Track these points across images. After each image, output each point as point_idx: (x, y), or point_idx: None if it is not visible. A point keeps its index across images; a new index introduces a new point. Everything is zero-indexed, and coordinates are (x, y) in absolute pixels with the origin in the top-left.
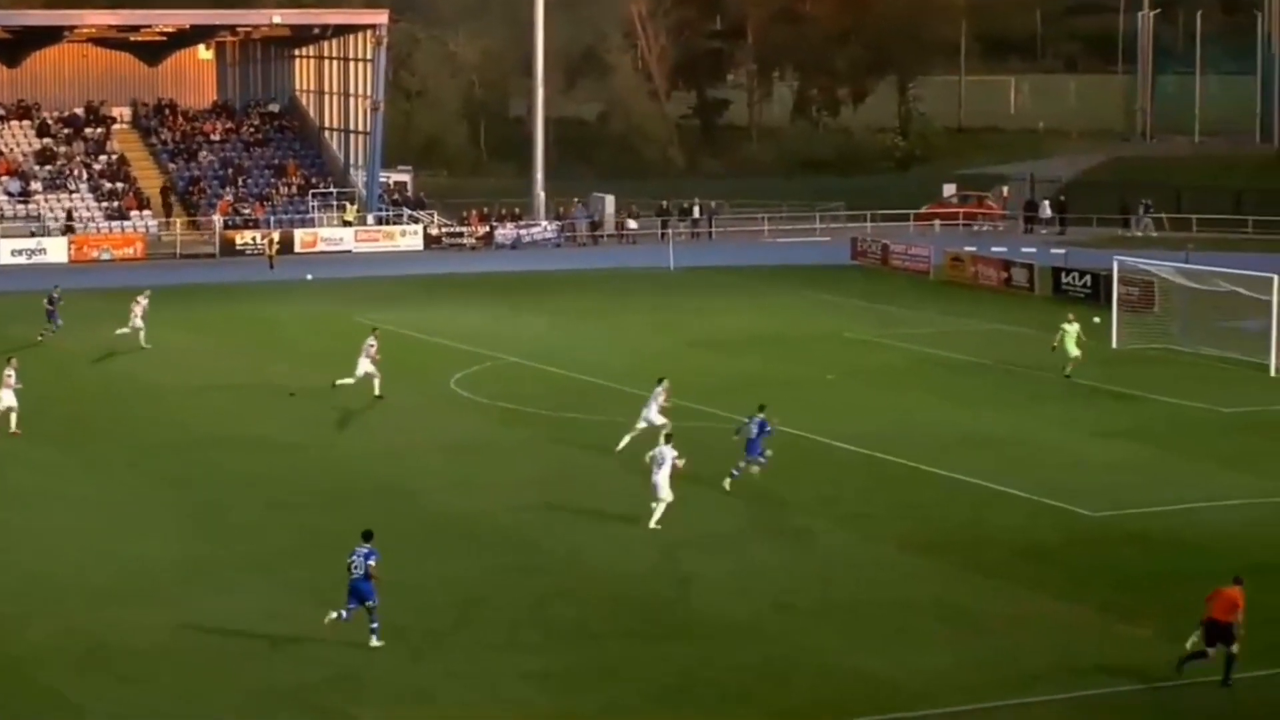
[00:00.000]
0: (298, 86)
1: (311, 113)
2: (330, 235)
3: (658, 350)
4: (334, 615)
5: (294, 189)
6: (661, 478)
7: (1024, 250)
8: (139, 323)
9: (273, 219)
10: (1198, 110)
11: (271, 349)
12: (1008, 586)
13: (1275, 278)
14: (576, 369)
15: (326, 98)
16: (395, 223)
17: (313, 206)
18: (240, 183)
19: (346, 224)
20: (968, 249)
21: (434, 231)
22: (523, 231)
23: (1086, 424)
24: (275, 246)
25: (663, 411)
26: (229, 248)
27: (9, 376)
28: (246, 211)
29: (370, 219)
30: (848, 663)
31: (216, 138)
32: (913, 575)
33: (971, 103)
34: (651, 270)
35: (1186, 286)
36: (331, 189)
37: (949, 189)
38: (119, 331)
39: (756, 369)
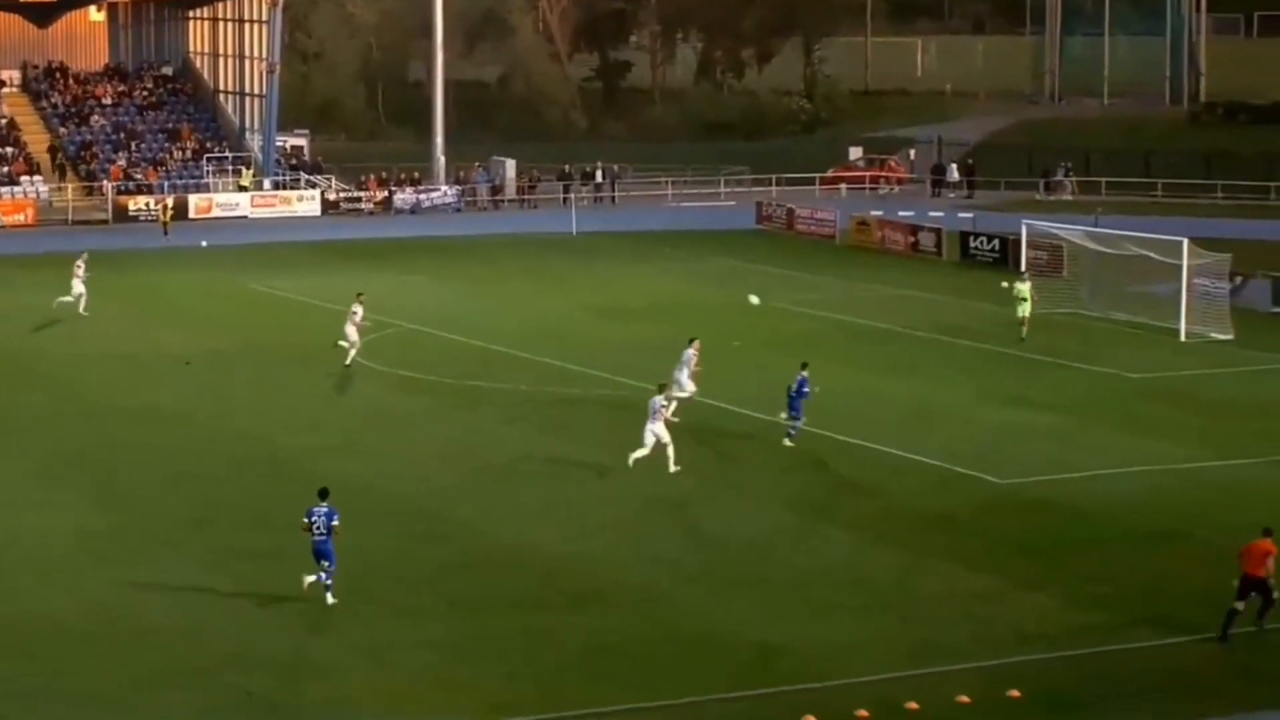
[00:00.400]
0: (192, 49)
1: (206, 75)
2: (226, 201)
3: (560, 316)
4: (310, 579)
5: (188, 153)
6: (658, 427)
7: (931, 214)
8: (81, 288)
9: (167, 184)
10: (1106, 72)
11: (166, 317)
12: (916, 555)
13: (1185, 241)
14: (478, 336)
15: (221, 60)
16: (292, 188)
17: (208, 171)
18: (133, 147)
19: (242, 189)
20: (874, 213)
21: (332, 196)
22: (422, 196)
23: (994, 390)
24: (169, 212)
25: (694, 377)
26: (122, 213)
27: None
28: (139, 176)
29: (266, 184)
30: (755, 634)
31: (109, 101)
32: (821, 544)
33: (878, 65)
34: (553, 235)
35: (1095, 250)
36: (227, 153)
37: (855, 152)
38: (59, 300)
39: (660, 335)
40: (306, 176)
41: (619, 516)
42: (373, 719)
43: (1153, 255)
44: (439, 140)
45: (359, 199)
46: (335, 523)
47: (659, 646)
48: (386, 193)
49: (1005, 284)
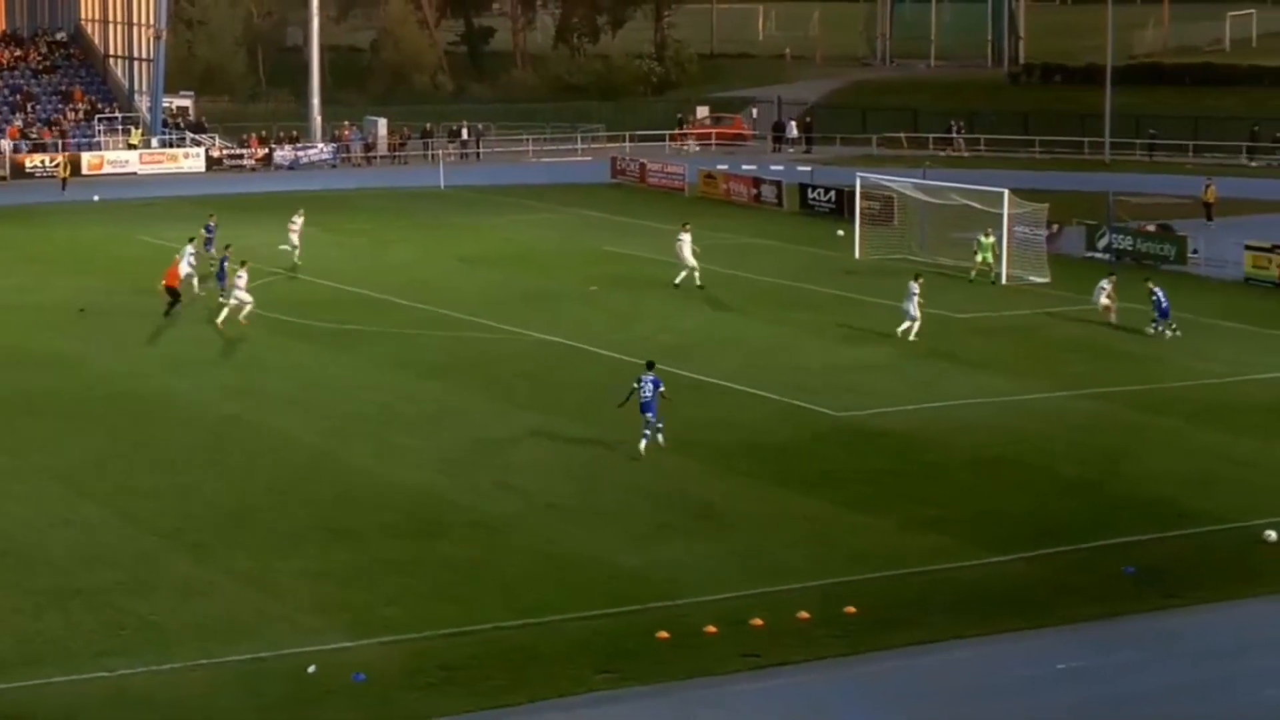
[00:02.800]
0: (83, 15)
1: (97, 41)
2: (116, 158)
3: (430, 264)
4: (643, 443)
5: (81, 114)
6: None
7: (773, 168)
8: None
9: (61, 143)
10: (934, 36)
11: (63, 267)
12: (759, 482)
13: (1006, 192)
14: (353, 283)
15: (111, 26)
16: (178, 146)
17: (99, 131)
18: (29, 109)
19: (132, 147)
20: (720, 167)
21: (215, 154)
22: (300, 153)
23: (832, 330)
24: (66, 169)
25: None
26: (19, 171)
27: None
28: (35, 136)
29: (154, 142)
30: (609, 557)
31: (5, 65)
32: (670, 473)
33: (722, 30)
34: (423, 189)
35: (924, 201)
36: (117, 114)
37: (702, 111)
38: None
39: (524, 282)
40: (192, 135)
41: (485, 451)
42: (257, 638)
43: (975, 205)
44: (315, 101)
45: (241, 156)
46: (662, 389)
47: (520, 570)
48: (267, 150)
49: (841, 232)
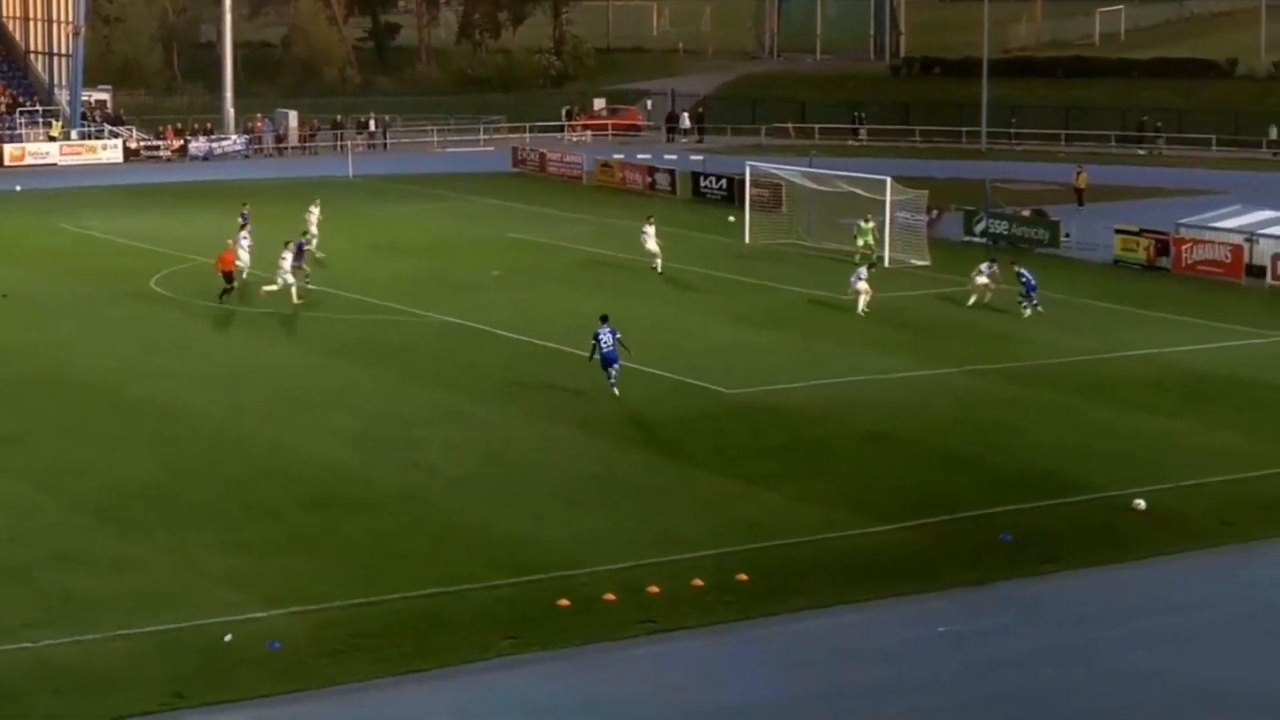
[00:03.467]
0: (4, 13)
1: (18, 37)
2: (37, 150)
3: (340, 250)
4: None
5: (2, 108)
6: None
7: (666, 157)
8: None
9: None
10: (819, 31)
11: None
12: (656, 457)
13: (888, 179)
14: (266, 268)
15: (31, 24)
16: (97, 138)
17: (20, 123)
18: None
19: (52, 139)
20: (616, 156)
21: (133, 145)
22: (214, 145)
23: (724, 312)
24: None
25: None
26: None
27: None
28: None
29: (74, 134)
30: (513, 529)
31: None
32: (569, 448)
33: (618, 26)
34: (332, 178)
35: (810, 188)
36: (38, 107)
37: (599, 103)
38: None
39: (430, 267)
40: (110, 128)
41: (393, 428)
42: (176, 610)
43: (860, 192)
44: (229, 95)
45: (157, 147)
46: (619, 336)
47: (429, 542)
48: (182, 142)
49: (731, 218)
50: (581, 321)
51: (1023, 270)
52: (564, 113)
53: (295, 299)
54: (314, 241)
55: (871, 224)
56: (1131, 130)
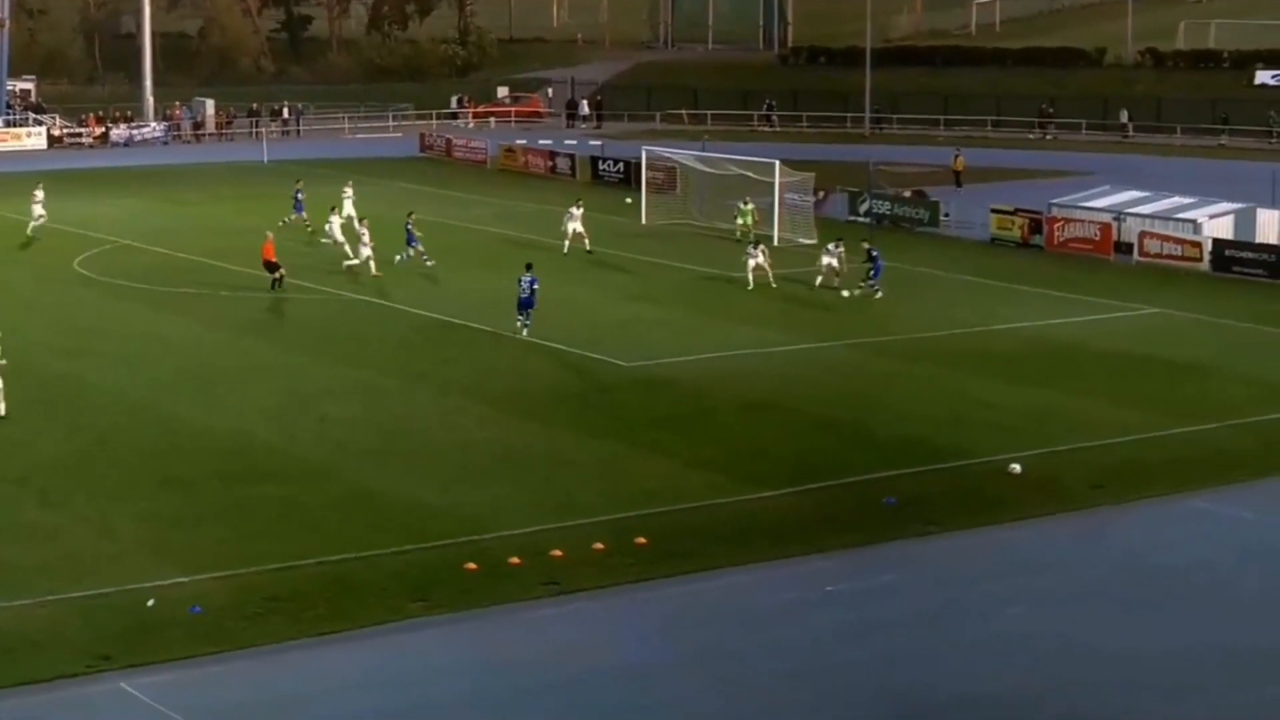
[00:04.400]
0: None
1: None
2: None
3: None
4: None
5: None
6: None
7: (567, 142)
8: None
9: None
10: (711, 22)
11: None
12: (554, 427)
13: (777, 163)
14: (184, 249)
15: None
16: (21, 125)
17: None
18: None
19: None
20: (519, 142)
21: (56, 132)
22: (134, 131)
23: (619, 289)
24: None
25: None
26: None
27: None
28: None
29: (0, 122)
30: (420, 497)
31: None
32: (471, 420)
33: (520, 17)
34: (248, 163)
35: (703, 171)
36: None
37: (502, 91)
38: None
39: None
40: (34, 116)
41: (301, 402)
42: (99, 576)
43: (750, 174)
44: (148, 84)
45: (80, 134)
46: (536, 286)
47: (339, 511)
48: (104, 129)
49: (629, 200)
50: (487, 299)
51: (874, 249)
52: (454, 100)
53: (372, 271)
54: (365, 222)
55: (751, 206)
56: (1006, 116)
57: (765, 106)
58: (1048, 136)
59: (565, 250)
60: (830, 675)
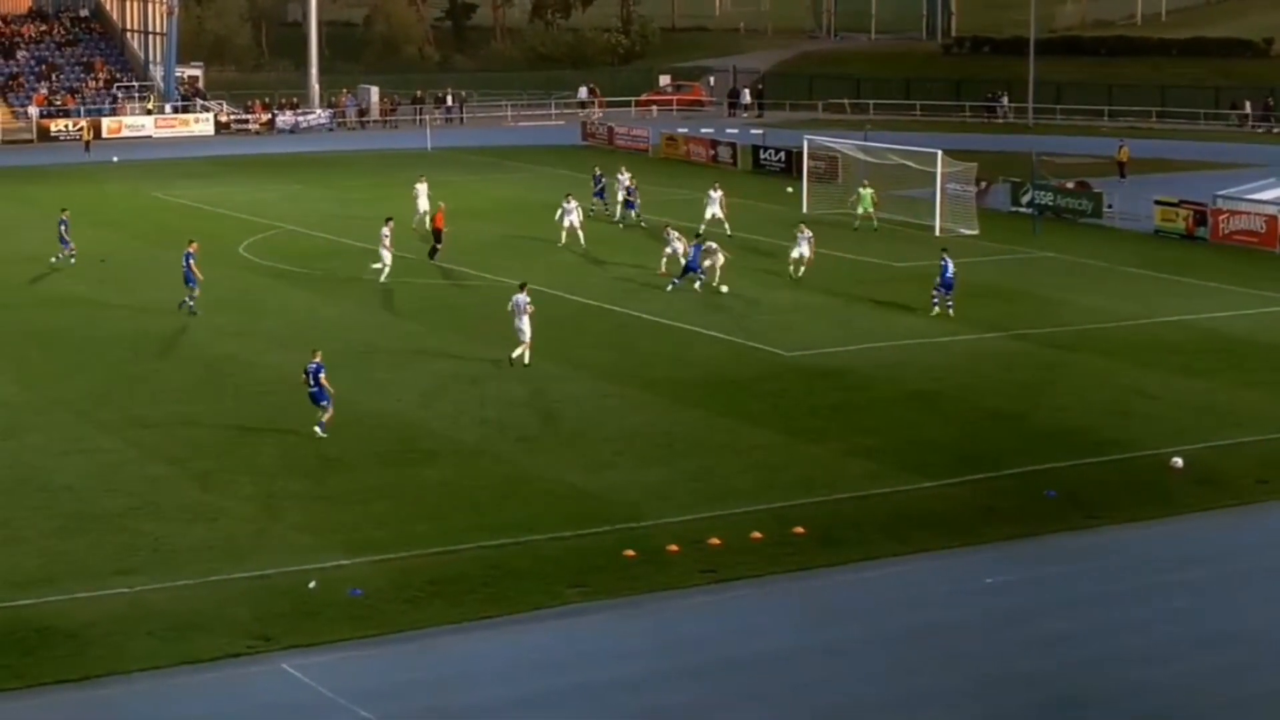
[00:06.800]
0: None
1: (115, 16)
2: (133, 123)
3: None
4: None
5: (101, 83)
6: (524, 323)
7: (728, 131)
8: None
9: (83, 109)
10: (874, 12)
11: (87, 220)
12: (714, 415)
13: (939, 153)
14: (348, 236)
15: (128, 3)
16: (189, 111)
17: (118, 98)
18: (54, 78)
19: (148, 113)
20: (680, 130)
21: (223, 119)
22: (300, 118)
23: (779, 278)
24: (89, 133)
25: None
26: (45, 134)
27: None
28: (59, 103)
29: (168, 108)
30: (579, 483)
31: (31, 39)
32: (631, 406)
33: (682, 6)
34: (411, 151)
35: (865, 160)
36: (134, 83)
37: (664, 79)
38: None
39: (505, 232)
40: (201, 102)
41: (459, 386)
42: (261, 557)
43: (912, 164)
44: (314, 71)
45: (246, 121)
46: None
47: (498, 494)
48: (270, 115)
49: (790, 189)
50: (642, 285)
51: (947, 259)
52: (583, 90)
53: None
54: (422, 218)
55: (869, 190)
56: (1171, 107)
57: (994, 97)
58: (1265, 129)
59: (701, 231)
60: (988, 665)
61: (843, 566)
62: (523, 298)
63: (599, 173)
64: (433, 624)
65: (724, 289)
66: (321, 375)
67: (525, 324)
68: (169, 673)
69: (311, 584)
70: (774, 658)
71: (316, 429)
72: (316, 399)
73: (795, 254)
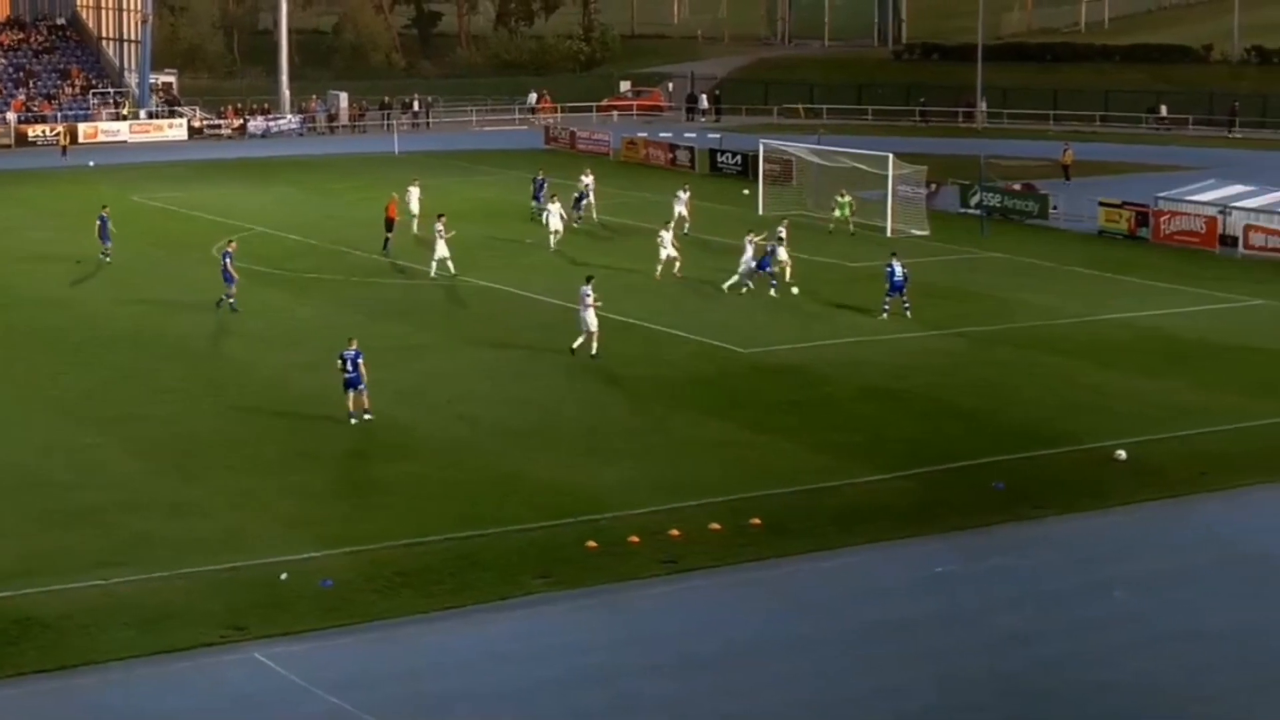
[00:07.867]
0: (79, 2)
1: (91, 25)
2: (109, 128)
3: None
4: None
5: (77, 89)
6: (588, 315)
7: (686, 135)
8: None
9: (59, 115)
10: (827, 19)
11: (63, 222)
12: (675, 410)
13: (890, 155)
14: (318, 237)
15: (104, 12)
16: (163, 117)
17: (93, 104)
18: (31, 85)
19: (123, 118)
20: (640, 134)
21: (196, 124)
22: (271, 123)
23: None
24: (66, 138)
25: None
26: (22, 140)
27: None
28: (36, 109)
29: (142, 114)
30: (546, 476)
31: (9, 46)
32: (597, 402)
33: (642, 13)
34: (380, 154)
35: (818, 164)
36: (109, 89)
37: (625, 85)
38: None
39: (473, 233)
40: (175, 108)
41: (436, 383)
42: (235, 550)
43: (863, 167)
44: (284, 78)
45: (219, 126)
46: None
47: (466, 488)
48: (242, 121)
49: (745, 191)
50: (612, 283)
51: (894, 263)
52: (532, 96)
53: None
54: (415, 223)
55: (848, 198)
56: (1114, 111)
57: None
58: (1230, 133)
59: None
60: (939, 656)
61: (797, 557)
62: (586, 289)
63: (540, 176)
64: (402, 614)
65: (795, 290)
66: (360, 360)
67: (589, 315)
68: (144, 662)
69: (283, 575)
70: (729, 650)
71: (365, 416)
72: (352, 384)
73: (670, 253)
